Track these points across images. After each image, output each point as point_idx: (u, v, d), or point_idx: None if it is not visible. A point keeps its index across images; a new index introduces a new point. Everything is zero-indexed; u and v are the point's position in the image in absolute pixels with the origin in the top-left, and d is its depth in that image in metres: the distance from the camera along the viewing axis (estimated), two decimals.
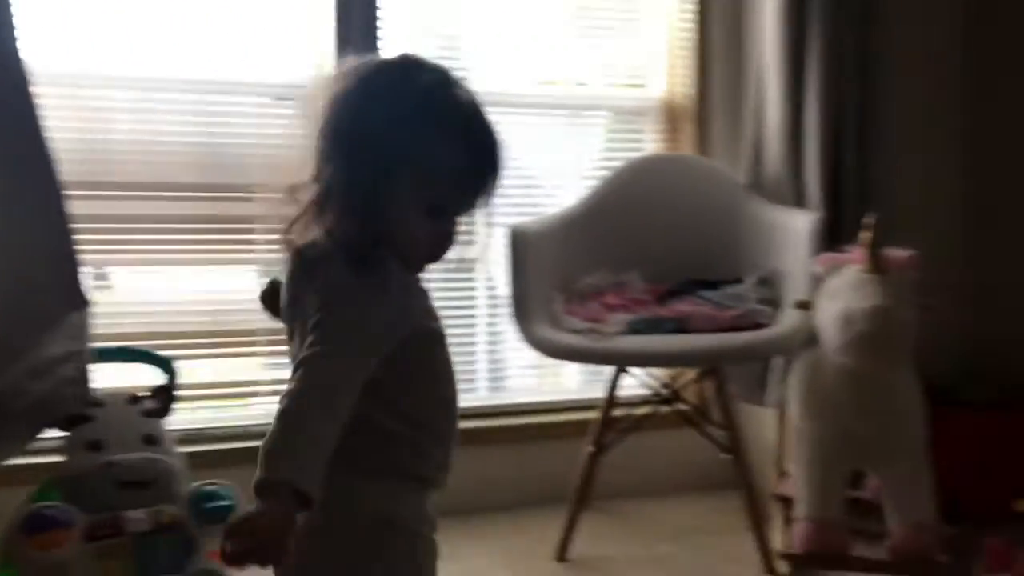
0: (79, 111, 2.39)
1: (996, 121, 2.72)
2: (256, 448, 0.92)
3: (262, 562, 0.89)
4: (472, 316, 2.85)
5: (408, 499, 1.09)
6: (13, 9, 1.63)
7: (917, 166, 2.76)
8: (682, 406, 2.59)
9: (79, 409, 1.82)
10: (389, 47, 2.64)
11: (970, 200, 2.78)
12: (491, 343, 2.89)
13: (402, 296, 1.04)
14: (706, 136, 2.90)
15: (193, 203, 2.53)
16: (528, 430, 2.82)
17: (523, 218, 2.52)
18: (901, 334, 1.91)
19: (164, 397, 1.97)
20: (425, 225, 1.06)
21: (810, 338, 2.09)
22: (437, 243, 1.10)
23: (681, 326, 2.30)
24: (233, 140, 2.55)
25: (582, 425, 2.45)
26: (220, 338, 2.57)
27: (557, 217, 2.57)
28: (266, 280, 1.18)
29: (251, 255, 2.61)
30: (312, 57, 2.60)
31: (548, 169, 2.89)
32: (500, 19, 2.83)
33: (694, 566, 2.26)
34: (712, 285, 2.50)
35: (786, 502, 2.26)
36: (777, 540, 2.17)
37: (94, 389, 1.84)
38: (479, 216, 1.13)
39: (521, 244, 2.36)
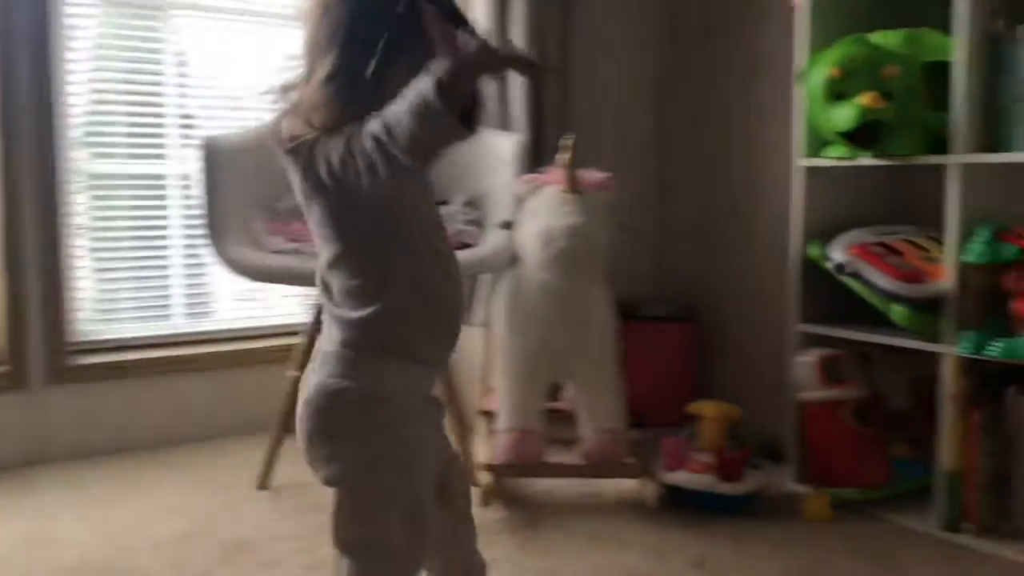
0: None
1: (686, 68, 2.92)
2: None
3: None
4: (166, 239, 2.66)
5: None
6: None
7: (613, 97, 2.90)
8: None
9: None
10: None
11: (661, 136, 2.97)
12: (191, 267, 2.71)
13: None
14: None
15: None
16: (231, 357, 2.69)
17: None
18: (596, 251, 2.02)
19: None
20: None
21: (513, 257, 2.15)
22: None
23: None
24: None
25: (289, 351, 2.37)
26: None
27: (257, 130, 2.43)
28: None
29: None
30: None
31: (256, 82, 2.72)
32: None
33: None
34: None
35: (489, 416, 2.34)
36: (481, 452, 2.23)
37: None
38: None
39: (213, 158, 2.20)
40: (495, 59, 1.05)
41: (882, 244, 2.07)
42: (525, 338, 2.14)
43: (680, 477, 2.08)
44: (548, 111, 2.63)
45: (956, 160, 1.90)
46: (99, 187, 2.57)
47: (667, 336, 2.75)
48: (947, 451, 1.94)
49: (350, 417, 1.13)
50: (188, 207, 2.66)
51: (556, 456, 2.20)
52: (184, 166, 2.64)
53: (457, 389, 2.53)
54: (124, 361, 2.56)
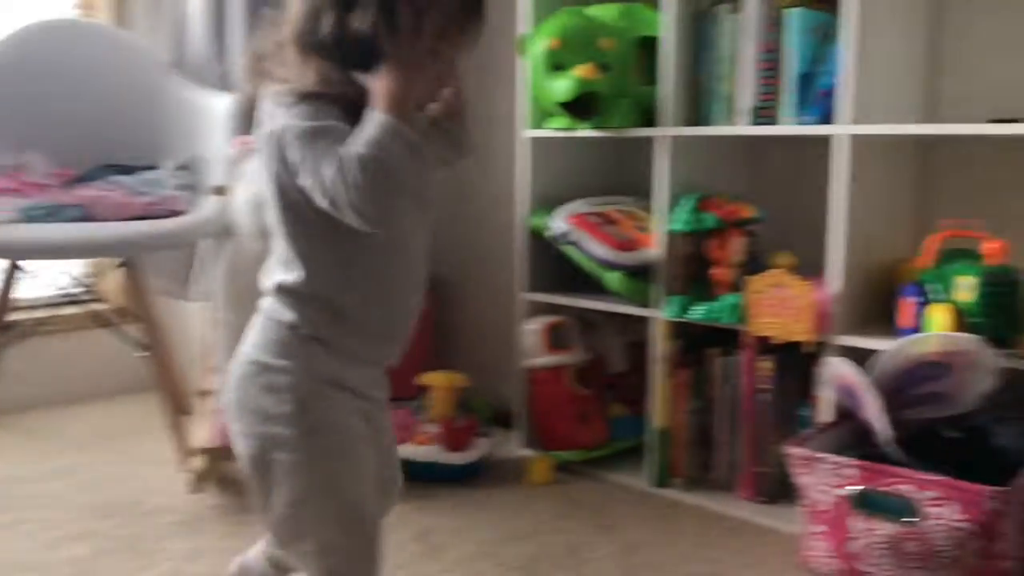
0: None
1: None
2: None
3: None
4: None
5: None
6: None
7: None
8: (98, 306, 2.36)
9: None
10: None
11: None
12: None
13: None
14: (125, 4, 2.60)
15: None
16: None
17: None
18: None
19: None
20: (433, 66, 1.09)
21: (228, 226, 2.01)
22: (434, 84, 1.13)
23: (87, 214, 2.06)
24: None
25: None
26: None
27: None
28: None
29: None
30: None
31: None
32: None
33: (102, 474, 2.09)
34: (128, 170, 2.27)
35: (209, 396, 2.19)
36: (199, 435, 2.09)
37: None
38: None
39: None
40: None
41: (599, 214, 2.12)
42: (244, 311, 2.00)
43: (406, 450, 2.04)
44: None
45: (664, 133, 1.98)
46: None
47: None
48: (657, 410, 2.04)
49: (267, 399, 1.09)
50: None
51: None
52: None
53: (171, 367, 2.35)
54: None
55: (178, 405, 2.21)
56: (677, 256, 1.97)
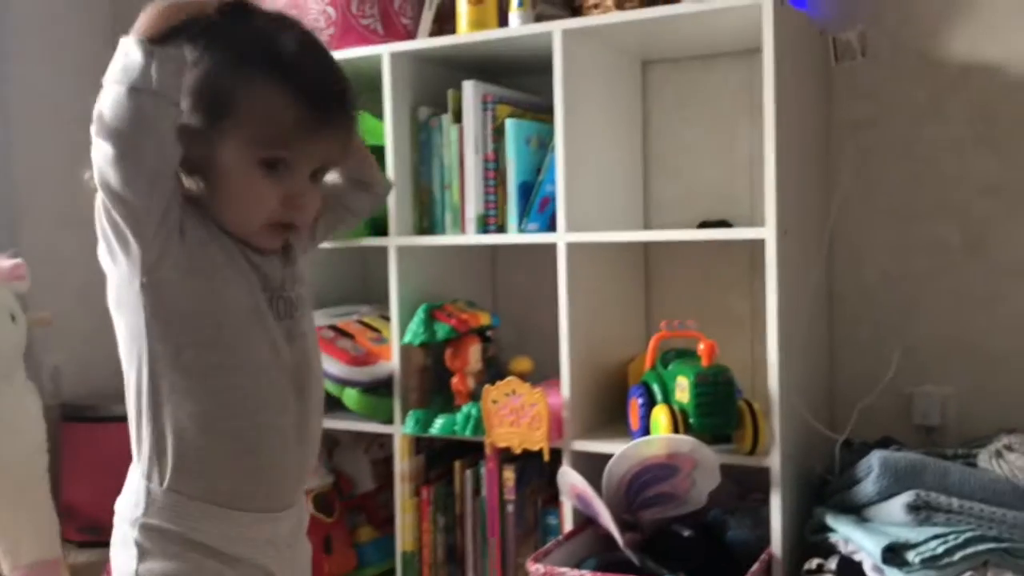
0: None
1: None
2: None
3: None
4: None
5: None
6: None
7: (46, 165, 2.57)
8: None
9: None
10: None
11: None
12: None
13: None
14: None
15: None
16: None
17: None
18: (4, 350, 1.72)
19: None
20: (262, 182, 0.97)
21: None
22: (281, 203, 0.98)
23: None
24: None
25: None
26: None
27: None
28: None
29: None
30: None
31: None
32: None
33: None
34: None
35: None
36: None
37: None
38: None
39: None
40: None
41: (333, 327, 2.03)
42: None
43: None
44: None
45: (394, 243, 1.93)
46: None
47: (112, 436, 2.46)
48: (403, 530, 1.94)
49: None
50: None
51: None
52: None
53: None
54: None
55: None
56: (413, 369, 1.91)
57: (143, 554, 0.98)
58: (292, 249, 1.10)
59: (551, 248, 1.77)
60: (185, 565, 0.97)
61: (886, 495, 1.53)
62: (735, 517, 1.72)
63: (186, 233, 0.96)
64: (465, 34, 1.86)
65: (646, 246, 2.02)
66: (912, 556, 1.42)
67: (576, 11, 1.85)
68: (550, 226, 1.81)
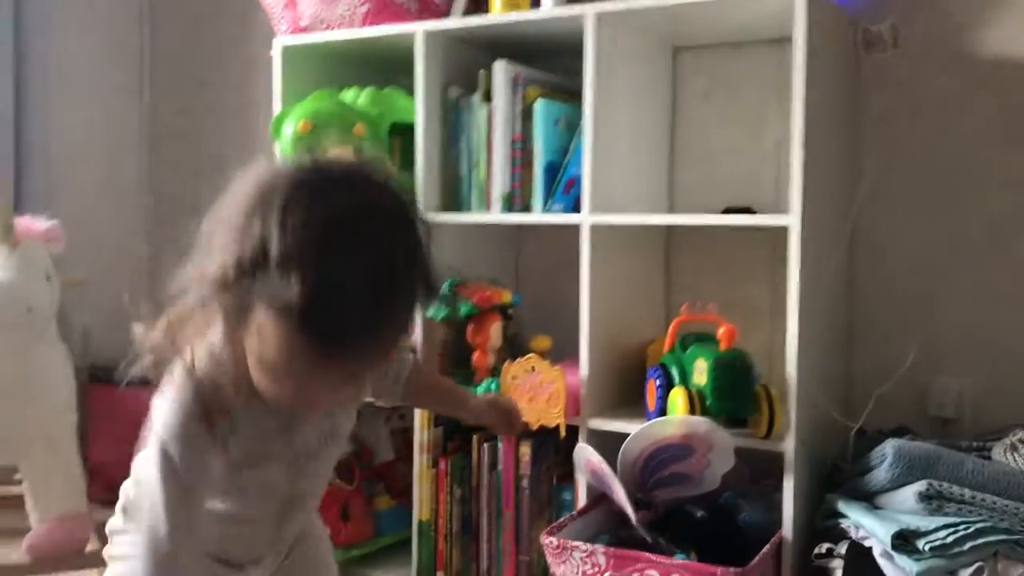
0: None
1: (181, 115, 2.75)
2: None
3: None
4: None
5: None
6: None
7: (96, 141, 2.62)
8: None
9: None
10: None
11: (152, 184, 2.75)
12: None
13: None
14: None
15: None
16: None
17: None
18: (34, 311, 1.76)
19: None
20: (270, 385, 0.92)
21: None
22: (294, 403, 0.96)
23: None
24: None
25: None
26: None
27: None
28: None
29: None
30: None
31: None
32: None
33: None
34: None
35: None
36: None
37: None
38: None
39: None
40: None
41: None
42: None
43: None
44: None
45: None
46: None
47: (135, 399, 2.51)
48: (420, 500, 1.98)
49: None
50: None
51: (7, 552, 1.87)
52: None
53: None
54: None
55: None
56: (436, 343, 1.94)
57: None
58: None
59: (575, 229, 1.79)
60: None
61: (899, 483, 1.54)
62: (747, 500, 1.75)
63: (229, 449, 0.99)
64: (498, 14, 1.88)
65: (669, 230, 2.04)
66: (922, 544, 1.43)
67: None
68: (575, 207, 1.83)
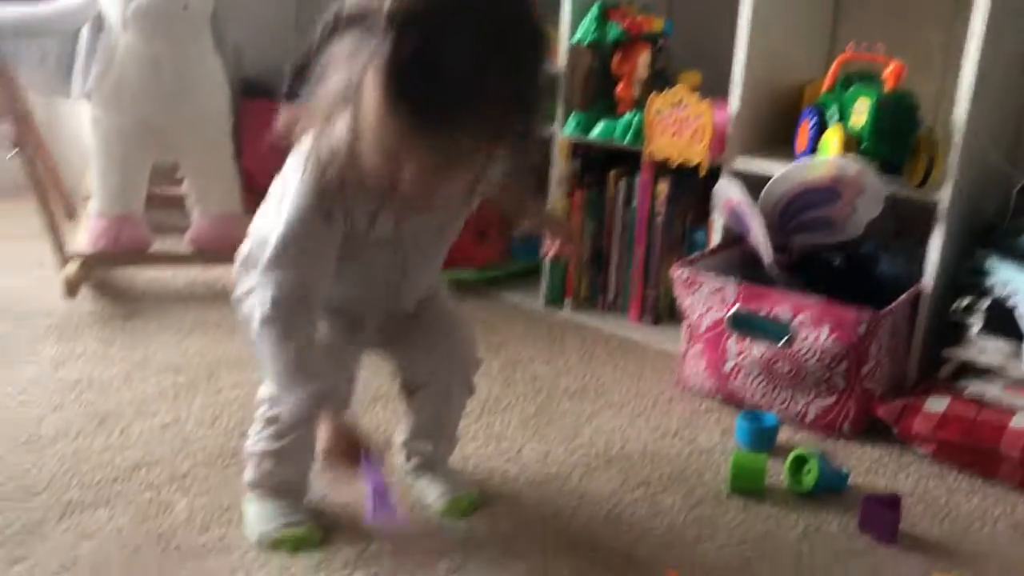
0: None
1: None
2: None
3: None
4: None
5: None
6: None
7: None
8: None
9: None
10: None
11: None
12: None
13: None
14: None
15: None
16: None
17: None
18: (189, 8, 1.78)
19: None
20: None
21: (99, 14, 1.85)
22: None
23: None
24: None
25: None
26: None
27: None
28: None
29: None
30: None
31: None
32: None
33: None
34: None
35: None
36: (79, 241, 2.00)
37: None
38: None
39: None
40: None
41: None
42: (117, 112, 1.88)
43: None
44: None
45: None
46: None
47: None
48: None
49: None
50: None
51: (170, 245, 2.03)
52: None
53: (47, 168, 2.23)
54: None
55: (60, 211, 2.10)
56: (580, 70, 1.89)
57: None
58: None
59: None
60: None
61: None
62: (889, 253, 1.70)
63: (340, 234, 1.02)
64: None
65: None
66: None
67: None
68: None
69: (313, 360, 1.01)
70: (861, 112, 1.53)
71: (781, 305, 1.51)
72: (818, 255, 1.68)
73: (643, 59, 1.84)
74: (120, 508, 1.20)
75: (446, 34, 0.83)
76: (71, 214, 2.36)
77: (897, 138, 1.52)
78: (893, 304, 1.49)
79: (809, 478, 1.32)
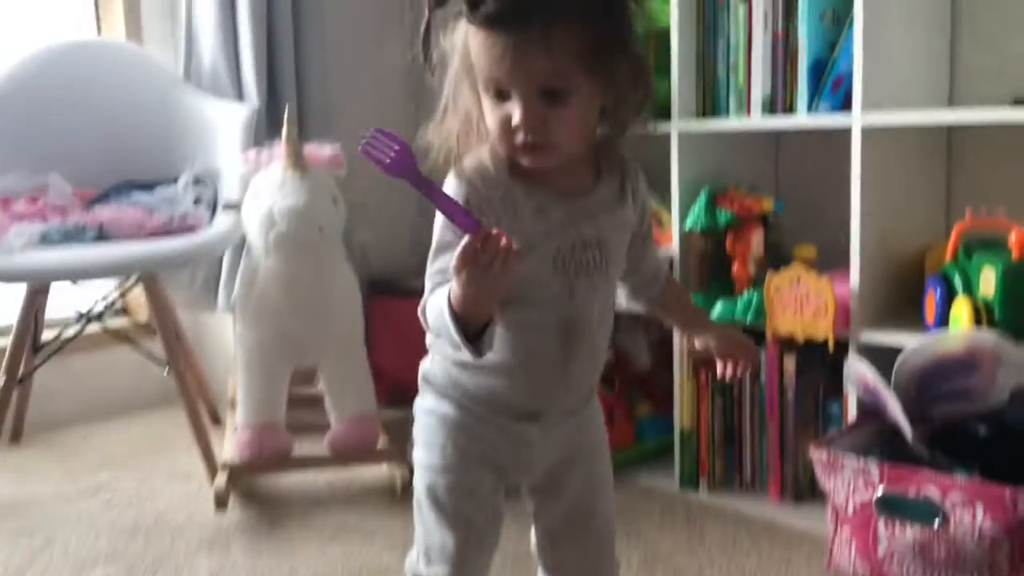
0: None
1: None
2: None
3: None
4: None
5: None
6: None
7: (354, 63, 2.77)
8: (123, 322, 2.38)
9: None
10: None
11: (418, 107, 2.87)
12: None
13: None
14: (136, 20, 2.61)
15: None
16: None
17: None
18: (325, 232, 1.92)
19: None
20: (495, 111, 0.99)
21: (243, 241, 2.02)
22: (505, 129, 0.99)
23: (104, 234, 2.08)
24: None
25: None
26: None
27: None
28: None
29: None
30: None
31: None
32: None
33: (135, 490, 2.11)
34: (147, 186, 2.29)
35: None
36: (226, 450, 2.10)
37: None
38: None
39: None
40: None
41: None
42: (259, 328, 2.01)
43: None
44: (280, 80, 2.46)
45: (676, 127, 1.92)
46: None
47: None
48: (682, 408, 2.00)
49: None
50: None
51: (311, 446, 2.11)
52: None
53: (196, 380, 2.38)
54: None
55: (206, 417, 2.23)
56: (694, 254, 1.93)
57: (422, 393, 1.13)
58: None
59: (840, 130, 1.69)
60: (448, 405, 1.09)
61: None
62: None
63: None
64: None
65: (949, 127, 1.87)
66: None
67: None
68: (843, 106, 1.73)
69: None
70: (989, 281, 1.51)
71: (928, 485, 1.45)
72: (961, 426, 1.62)
73: (756, 239, 1.87)
74: None
75: None
76: (216, 419, 2.49)
77: None
78: None
79: None
